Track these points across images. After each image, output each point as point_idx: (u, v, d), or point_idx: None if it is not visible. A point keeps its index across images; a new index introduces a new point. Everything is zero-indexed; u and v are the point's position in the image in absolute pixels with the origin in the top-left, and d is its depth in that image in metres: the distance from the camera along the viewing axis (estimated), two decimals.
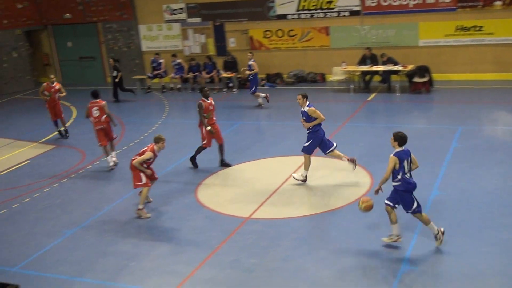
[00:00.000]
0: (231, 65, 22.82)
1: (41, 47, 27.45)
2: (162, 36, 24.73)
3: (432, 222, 9.32)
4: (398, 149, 9.13)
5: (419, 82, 19.91)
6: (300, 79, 22.83)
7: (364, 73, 20.77)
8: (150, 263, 9.74)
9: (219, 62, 23.24)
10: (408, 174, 9.15)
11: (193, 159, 14.24)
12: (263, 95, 19.54)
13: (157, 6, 24.32)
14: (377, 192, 9.44)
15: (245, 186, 12.82)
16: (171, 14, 24.23)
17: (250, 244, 10.06)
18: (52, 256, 10.36)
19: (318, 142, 12.40)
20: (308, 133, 12.46)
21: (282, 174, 13.11)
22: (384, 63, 20.33)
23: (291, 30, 22.66)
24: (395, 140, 9.15)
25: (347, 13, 21.76)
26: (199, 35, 24.12)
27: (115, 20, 25.24)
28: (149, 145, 11.79)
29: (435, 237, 9.33)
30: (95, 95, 14.76)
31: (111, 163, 14.67)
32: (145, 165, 11.66)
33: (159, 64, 23.61)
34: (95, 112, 14.50)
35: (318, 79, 22.70)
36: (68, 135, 17.84)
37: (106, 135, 14.70)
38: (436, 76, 20.38)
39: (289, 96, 21.01)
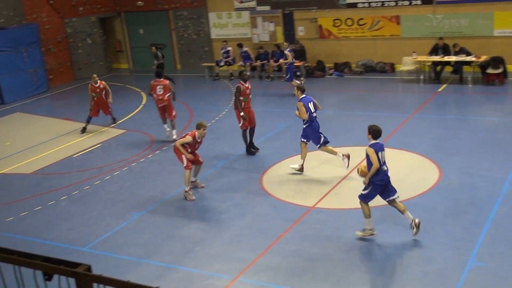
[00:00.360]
0: (299, 53, 22.73)
1: (114, 34, 28.13)
2: (231, 24, 24.89)
3: (408, 211, 9.37)
4: (373, 141, 9.30)
5: (492, 73, 19.28)
6: (369, 69, 22.52)
7: (435, 63, 20.27)
8: (214, 248, 9.90)
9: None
10: (385, 166, 9.30)
11: (248, 149, 14.44)
12: (299, 82, 19.45)
13: None
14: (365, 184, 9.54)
15: (310, 175, 12.79)
16: (241, 2, 24.33)
17: (314, 233, 10.06)
18: (120, 237, 10.68)
19: (314, 133, 12.61)
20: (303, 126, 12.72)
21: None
22: (456, 54, 19.77)
23: (361, 19, 22.35)
24: (369, 133, 9.33)
25: (419, 2, 21.26)
26: (268, 23, 24.14)
27: (186, 7, 25.57)
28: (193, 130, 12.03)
29: (410, 226, 9.41)
30: (159, 74, 16.03)
31: (174, 136, 15.65)
32: (189, 150, 11.95)
33: (227, 51, 23.80)
34: (159, 90, 15.41)
35: (388, 69, 22.33)
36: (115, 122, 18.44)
37: (164, 113, 15.84)
38: (511, 67, 19.69)
39: (357, 85, 20.78)
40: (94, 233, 10.93)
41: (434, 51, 20.31)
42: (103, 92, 17.76)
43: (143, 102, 20.89)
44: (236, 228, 10.57)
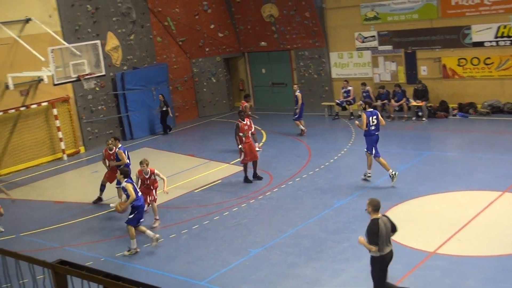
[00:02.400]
0: (421, 93, 22.24)
1: (238, 73, 29.01)
2: (353, 64, 24.88)
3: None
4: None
5: None
6: (496, 110, 21.54)
7: None
8: None
9: (409, 90, 22.78)
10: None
11: (246, 178, 16.37)
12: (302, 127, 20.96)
13: (349, 34, 24.54)
14: None
15: (431, 219, 12.37)
16: (362, 42, 24.31)
17: (433, 280, 9.67)
18: (237, 273, 10.82)
19: (371, 144, 14.90)
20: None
21: (471, 208, 12.45)
22: None
23: (488, 58, 21.54)
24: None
25: None
26: (389, 63, 23.90)
27: (308, 47, 25.92)
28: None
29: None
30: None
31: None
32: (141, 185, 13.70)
33: (348, 91, 23.77)
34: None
35: None
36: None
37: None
38: None
39: (483, 127, 19.94)
40: (212, 268, 11.16)
41: None
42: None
43: (264, 140, 21.24)
44: (353, 270, 10.39)
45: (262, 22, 26.69)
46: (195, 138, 23.49)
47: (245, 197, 15.09)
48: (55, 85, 19.01)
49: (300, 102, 21.15)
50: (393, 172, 14.62)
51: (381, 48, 23.92)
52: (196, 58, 27.17)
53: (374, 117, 14.77)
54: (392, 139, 19.73)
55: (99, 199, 16.04)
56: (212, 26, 27.05)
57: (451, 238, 11.24)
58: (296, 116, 21.35)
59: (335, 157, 17.89)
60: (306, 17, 25.12)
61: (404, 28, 23.03)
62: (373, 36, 23.93)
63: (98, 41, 20.21)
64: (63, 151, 21.85)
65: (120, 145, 15.65)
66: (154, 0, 25.24)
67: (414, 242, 11.25)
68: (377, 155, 14.92)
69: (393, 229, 8.88)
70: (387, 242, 8.69)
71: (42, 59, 18.95)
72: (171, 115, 24.24)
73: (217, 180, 16.90)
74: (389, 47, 23.68)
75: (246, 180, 16.38)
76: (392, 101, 22.58)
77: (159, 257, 11.96)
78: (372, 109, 14.99)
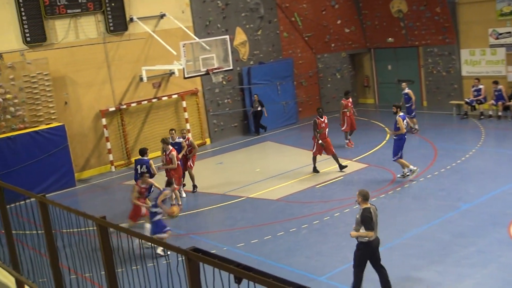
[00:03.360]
0: None
1: (363, 69, 28.66)
2: (485, 61, 23.79)
3: None
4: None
5: None
6: None
7: None
8: None
9: None
10: None
11: (315, 168, 17.39)
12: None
13: (483, 31, 23.47)
14: None
15: None
16: (497, 38, 23.17)
17: None
18: None
19: (398, 147, 15.72)
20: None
21: None
22: None
23: None
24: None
25: None
26: None
27: (437, 44, 25.10)
28: None
29: None
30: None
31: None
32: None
33: (479, 89, 22.76)
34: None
35: None
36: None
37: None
38: None
39: None
40: (331, 264, 11.17)
41: None
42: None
43: (387, 138, 20.87)
44: (479, 277, 9.99)
45: (390, 17, 26.18)
46: None
47: None
48: (185, 78, 19.78)
49: (413, 98, 21.07)
50: (414, 168, 15.62)
51: None
52: (322, 54, 27.17)
53: (405, 120, 15.84)
54: None
55: None
56: (338, 22, 26.92)
57: None
58: (413, 114, 21.13)
59: (463, 158, 17.23)
60: (437, 12, 24.31)
61: None
62: (509, 33, 22.74)
63: (227, 36, 20.78)
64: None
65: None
66: None
67: None
68: (400, 157, 15.84)
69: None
70: (377, 228, 9.44)
71: (174, 53, 19.78)
72: (266, 115, 24.07)
73: (339, 177, 16.84)
74: None
75: (315, 170, 17.42)
76: None
77: (280, 250, 12.13)
78: (402, 114, 15.95)
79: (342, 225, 13.10)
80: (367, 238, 9.30)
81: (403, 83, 22.13)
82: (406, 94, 21.17)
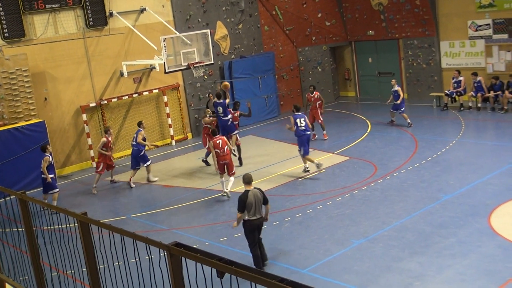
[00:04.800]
0: None
1: (343, 62, 28.75)
2: (464, 53, 23.97)
3: None
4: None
5: None
6: None
7: None
8: (435, 285, 9.56)
9: None
10: None
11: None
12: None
13: (462, 22, 23.63)
14: None
15: None
16: (476, 30, 23.35)
17: None
18: (339, 263, 10.82)
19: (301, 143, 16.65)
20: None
21: None
22: None
23: None
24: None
25: None
26: (504, 52, 22.79)
27: (417, 36, 25.22)
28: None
29: None
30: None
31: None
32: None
33: (459, 81, 22.94)
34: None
35: None
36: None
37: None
38: None
39: None
40: (314, 257, 11.22)
41: None
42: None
43: (368, 130, 20.99)
44: (459, 267, 10.10)
45: (370, 10, 26.27)
46: None
47: (348, 188, 15.01)
48: (166, 73, 19.71)
49: (402, 95, 21.04)
50: (319, 162, 16.59)
51: (495, 36, 22.86)
52: (303, 47, 27.19)
53: (302, 119, 16.55)
54: (506, 132, 18.91)
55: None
56: (319, 15, 26.95)
57: None
58: (403, 109, 21.17)
59: (443, 150, 17.37)
60: (417, 5, 24.44)
61: None
62: (488, 24, 22.92)
63: (207, 30, 20.70)
64: (172, 137, 22.64)
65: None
66: None
67: None
68: (306, 154, 16.57)
69: (265, 201, 10.64)
70: (257, 211, 10.51)
71: (155, 47, 19.69)
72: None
73: (322, 170, 16.88)
74: (505, 36, 22.58)
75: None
76: (506, 92, 21.56)
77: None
78: (300, 113, 16.75)
79: (325, 218, 13.16)
80: (246, 217, 10.55)
81: (393, 80, 22.03)
82: (396, 91, 21.01)
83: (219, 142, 15.26)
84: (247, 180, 10.72)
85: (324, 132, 20.54)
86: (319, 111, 20.45)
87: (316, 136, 20.50)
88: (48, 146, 16.45)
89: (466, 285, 9.43)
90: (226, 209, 14.63)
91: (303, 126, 16.53)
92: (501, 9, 22.29)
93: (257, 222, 10.61)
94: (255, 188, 10.71)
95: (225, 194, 15.30)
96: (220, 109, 17.94)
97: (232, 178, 15.46)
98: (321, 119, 20.47)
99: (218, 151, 15.26)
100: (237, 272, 3.07)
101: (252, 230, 10.64)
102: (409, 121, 20.89)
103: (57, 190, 15.95)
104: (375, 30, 26.60)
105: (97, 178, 17.45)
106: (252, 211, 10.47)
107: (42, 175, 15.86)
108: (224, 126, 18.14)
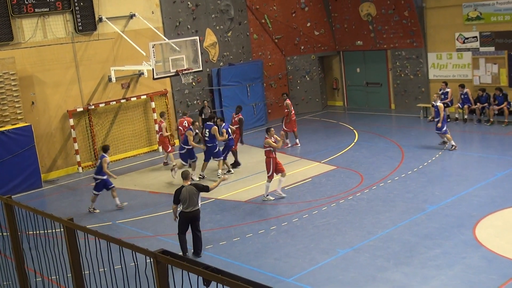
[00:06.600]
0: None
1: (332, 71, 28.86)
2: (452, 65, 24.16)
3: None
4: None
5: None
6: None
7: None
8: None
9: (511, 94, 21.87)
10: None
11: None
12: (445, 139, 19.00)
13: (449, 35, 23.84)
14: None
15: None
16: (463, 43, 23.56)
17: None
18: (324, 272, 10.83)
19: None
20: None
21: None
22: None
23: None
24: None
25: None
26: (491, 65, 23.02)
27: (405, 47, 25.41)
28: None
29: None
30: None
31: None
32: None
33: (446, 93, 23.11)
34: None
35: None
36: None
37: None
38: None
39: None
40: (299, 266, 11.22)
41: None
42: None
43: (355, 140, 21.07)
44: (444, 278, 10.15)
45: (359, 21, 26.42)
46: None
47: (334, 197, 15.05)
48: (154, 79, 19.68)
49: (442, 114, 18.71)
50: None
51: (482, 49, 23.08)
52: (291, 56, 27.29)
53: (207, 130, 17.63)
54: (491, 144, 19.07)
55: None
56: (308, 24, 27.08)
57: None
58: (444, 129, 18.87)
59: (429, 161, 17.47)
60: (405, 16, 24.63)
61: (508, 29, 22.11)
62: (475, 37, 23.13)
63: (196, 37, 20.72)
64: (159, 143, 22.58)
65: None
66: None
67: (511, 252, 10.84)
68: (206, 160, 17.94)
69: (203, 189, 11.92)
70: (191, 204, 11.68)
71: (143, 53, 19.67)
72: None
73: (308, 178, 16.93)
74: (491, 49, 22.81)
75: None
76: (494, 106, 21.75)
77: (248, 252, 12.14)
78: (209, 123, 17.98)
79: (311, 226, 13.18)
80: (180, 209, 11.85)
81: (435, 94, 20.33)
82: (436, 107, 18.98)
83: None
84: (184, 176, 12.09)
85: (287, 140, 21.05)
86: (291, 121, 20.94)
87: (289, 144, 20.81)
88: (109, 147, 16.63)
89: None
90: (213, 216, 14.61)
91: (207, 137, 17.68)
92: (488, 22, 22.52)
93: (191, 215, 11.74)
94: (191, 184, 11.91)
95: (276, 197, 15.48)
96: (207, 133, 17.90)
97: (282, 178, 15.57)
98: (285, 128, 20.94)
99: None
100: (223, 280, 3.07)
101: (185, 221, 11.79)
102: (453, 143, 18.53)
103: (113, 185, 15.83)
104: (363, 41, 26.75)
105: (172, 156, 19.80)
106: (186, 204, 11.66)
107: (100, 176, 15.65)
108: (210, 150, 18.05)
